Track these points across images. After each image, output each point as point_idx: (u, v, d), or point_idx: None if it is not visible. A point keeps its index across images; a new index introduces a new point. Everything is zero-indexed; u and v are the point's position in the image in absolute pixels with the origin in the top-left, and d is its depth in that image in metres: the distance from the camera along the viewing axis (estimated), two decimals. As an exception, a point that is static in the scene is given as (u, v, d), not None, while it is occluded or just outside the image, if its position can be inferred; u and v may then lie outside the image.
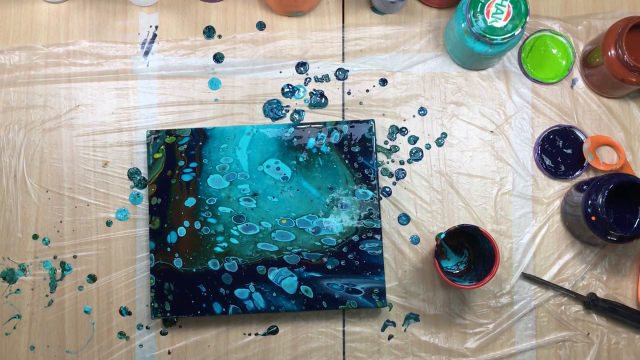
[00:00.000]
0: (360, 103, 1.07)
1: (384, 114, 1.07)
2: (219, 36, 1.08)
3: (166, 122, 1.07)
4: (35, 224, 1.06)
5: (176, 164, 1.03)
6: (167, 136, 1.04)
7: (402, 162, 1.06)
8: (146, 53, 1.08)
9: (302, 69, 1.07)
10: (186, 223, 1.03)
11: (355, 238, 1.02)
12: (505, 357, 1.04)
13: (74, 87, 1.07)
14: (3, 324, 1.05)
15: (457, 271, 1.05)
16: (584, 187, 1.00)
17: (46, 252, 1.05)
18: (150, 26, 1.08)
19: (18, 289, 1.05)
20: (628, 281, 1.06)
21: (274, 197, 1.03)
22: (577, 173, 1.06)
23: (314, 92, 1.07)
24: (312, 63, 1.08)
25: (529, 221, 1.06)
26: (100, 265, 1.05)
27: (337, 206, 1.02)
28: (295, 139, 1.03)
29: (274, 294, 1.02)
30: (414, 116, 1.07)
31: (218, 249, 1.02)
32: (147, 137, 1.04)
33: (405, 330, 1.05)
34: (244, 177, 1.03)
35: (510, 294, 1.05)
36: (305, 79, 1.07)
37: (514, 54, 1.08)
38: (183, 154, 1.03)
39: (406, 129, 1.07)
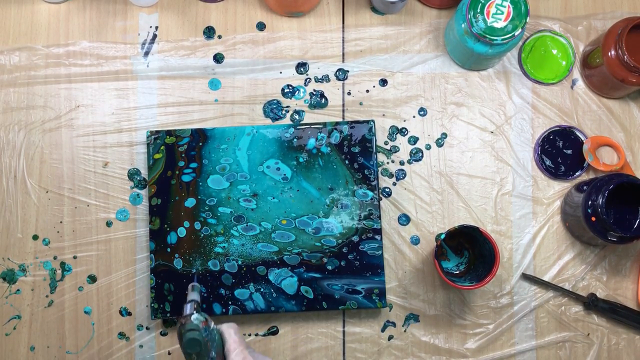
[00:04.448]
0: (360, 103, 1.07)
1: (384, 115, 1.07)
2: (219, 36, 1.08)
3: (166, 123, 1.07)
4: (35, 224, 1.06)
5: (176, 164, 1.03)
6: (167, 137, 1.04)
7: (402, 163, 1.06)
8: (146, 53, 1.08)
9: (302, 69, 1.07)
10: (186, 223, 1.02)
11: (355, 238, 1.02)
12: (505, 357, 1.04)
13: (74, 88, 1.07)
14: (3, 324, 1.05)
15: (457, 272, 1.05)
16: (584, 187, 1.00)
17: (46, 253, 1.05)
18: (150, 26, 1.08)
19: (18, 290, 1.05)
20: (628, 282, 1.06)
21: (274, 198, 1.03)
22: (577, 173, 1.06)
23: (314, 93, 1.07)
24: (312, 63, 1.08)
25: (529, 222, 1.06)
26: (100, 266, 1.05)
27: (337, 207, 1.02)
28: (295, 140, 1.03)
29: (274, 295, 1.02)
30: (414, 117, 1.07)
31: (218, 250, 1.02)
32: (147, 137, 1.04)
33: (405, 331, 1.05)
34: (244, 178, 1.03)
35: (510, 295, 1.05)
36: (305, 80, 1.07)
37: (514, 55, 1.08)
38: (183, 155, 1.03)
39: (406, 129, 1.07)
